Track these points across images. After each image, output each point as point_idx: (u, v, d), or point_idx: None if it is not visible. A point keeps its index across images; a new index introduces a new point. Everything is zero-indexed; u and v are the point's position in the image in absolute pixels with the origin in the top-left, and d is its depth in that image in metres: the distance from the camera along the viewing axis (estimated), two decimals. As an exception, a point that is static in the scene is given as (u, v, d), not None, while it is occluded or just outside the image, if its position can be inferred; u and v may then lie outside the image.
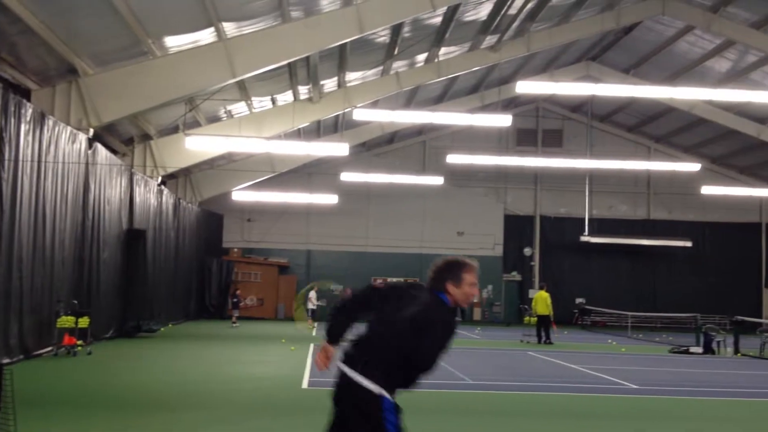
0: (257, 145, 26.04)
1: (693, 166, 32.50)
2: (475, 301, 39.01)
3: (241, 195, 34.23)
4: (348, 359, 4.24)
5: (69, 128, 17.31)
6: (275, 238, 38.06)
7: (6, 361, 13.72)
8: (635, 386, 14.37)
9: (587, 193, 37.66)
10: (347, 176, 32.44)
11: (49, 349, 16.37)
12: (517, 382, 14.65)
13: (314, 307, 29.71)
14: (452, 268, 4.40)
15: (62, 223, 17.12)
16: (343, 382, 4.22)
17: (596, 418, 10.74)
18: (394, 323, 4.25)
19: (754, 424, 10.93)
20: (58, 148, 16.66)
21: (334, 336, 4.48)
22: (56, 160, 16.49)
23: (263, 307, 36.51)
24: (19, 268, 14.71)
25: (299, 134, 31.22)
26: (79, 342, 16.81)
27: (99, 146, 19.79)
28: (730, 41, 26.20)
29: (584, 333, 32.77)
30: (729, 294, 38.38)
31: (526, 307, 30.54)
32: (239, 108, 26.58)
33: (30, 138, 15.08)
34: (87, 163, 18.63)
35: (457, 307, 4.44)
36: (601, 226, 38.51)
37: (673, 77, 30.30)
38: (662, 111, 34.94)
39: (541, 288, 26.12)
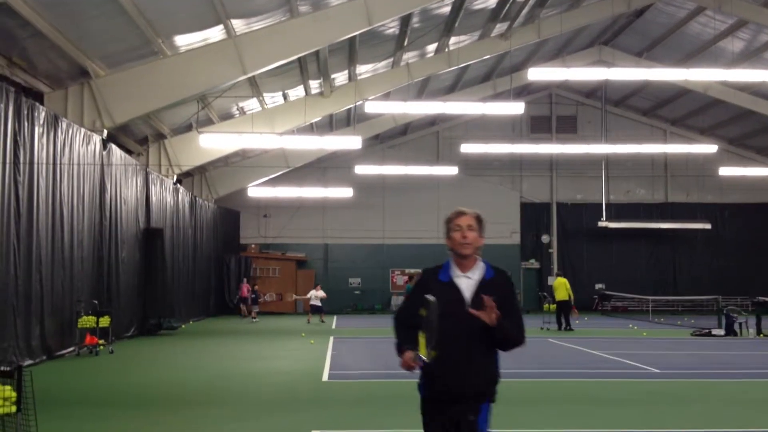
0: (270, 140, 26.09)
1: (710, 148, 32.22)
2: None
3: (257, 191, 34.33)
4: None
5: (83, 130, 17.43)
6: (292, 233, 38.17)
7: (29, 362, 13.87)
8: (657, 370, 14.30)
9: (604, 179, 37.50)
10: (361, 169, 32.42)
11: (72, 349, 16.52)
12: (539, 369, 14.61)
13: (319, 303, 29.46)
14: (445, 229, 4.42)
15: (80, 224, 17.25)
16: None
17: (619, 403, 10.70)
18: None
19: (778, 404, 10.84)
20: (73, 150, 16.77)
21: None
22: (71, 162, 16.60)
23: (282, 302, 36.64)
24: (39, 270, 14.85)
25: (312, 129, 31.25)
26: (101, 341, 16.95)
27: (113, 147, 19.91)
28: (742, 21, 25.91)
29: (605, 318, 32.62)
30: (750, 275, 38.06)
31: (546, 294, 30.43)
32: (251, 104, 26.64)
33: (44, 141, 15.20)
34: (102, 164, 18.76)
35: (444, 265, 4.35)
36: (618, 210, 38.31)
37: (686, 59, 30.02)
38: (677, 93, 34.65)
39: (557, 275, 26.00)
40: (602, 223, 36.59)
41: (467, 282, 4.24)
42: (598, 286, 38.12)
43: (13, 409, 6.47)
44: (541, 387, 12.32)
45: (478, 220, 4.38)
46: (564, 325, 24.48)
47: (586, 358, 16.55)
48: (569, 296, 24.59)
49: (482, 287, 4.19)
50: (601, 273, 38.58)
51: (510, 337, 4.21)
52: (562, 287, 24.64)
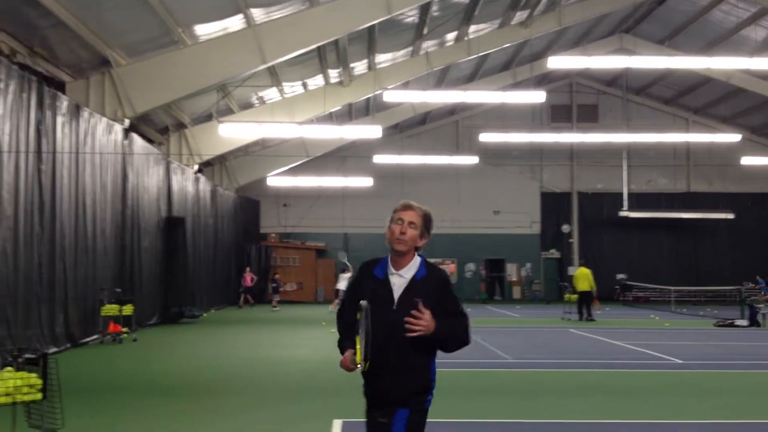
0: (290, 130, 26.13)
1: (733, 137, 31.89)
2: (514, 279, 38.83)
3: (277, 180, 34.40)
4: None
5: (105, 119, 17.53)
6: (312, 222, 38.24)
7: (53, 350, 14.00)
8: (680, 361, 14.20)
9: (625, 168, 37.20)
10: (381, 158, 32.38)
11: (95, 337, 16.67)
12: (559, 359, 14.56)
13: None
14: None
15: (102, 212, 17.37)
16: None
17: (641, 394, 10.63)
18: None
19: (802, 395, 10.73)
20: (95, 139, 16.87)
21: None
22: (93, 151, 16.70)
23: (303, 291, 36.76)
24: (62, 258, 14.98)
25: (331, 118, 31.23)
26: (124, 329, 17.07)
27: (135, 136, 20.01)
28: (765, 9, 25.56)
29: (626, 309, 32.46)
30: (773, 265, 37.72)
31: (566, 284, 30.26)
32: (271, 94, 26.66)
33: (67, 130, 15.30)
34: (124, 153, 18.86)
35: (380, 259, 4.15)
36: (640, 200, 38.02)
37: (708, 47, 29.68)
38: (699, 82, 34.28)
39: (581, 264, 25.81)
40: (623, 213, 36.34)
41: (399, 281, 4.00)
42: (619, 276, 37.88)
43: (39, 396, 6.54)
44: (561, 378, 12.27)
45: (425, 218, 4.11)
46: (585, 315, 24.36)
47: (608, 349, 16.46)
48: (591, 287, 24.40)
49: (411, 287, 3.96)
50: (622, 263, 38.33)
51: (451, 339, 3.96)
52: (584, 278, 24.45)
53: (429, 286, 3.97)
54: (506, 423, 8.58)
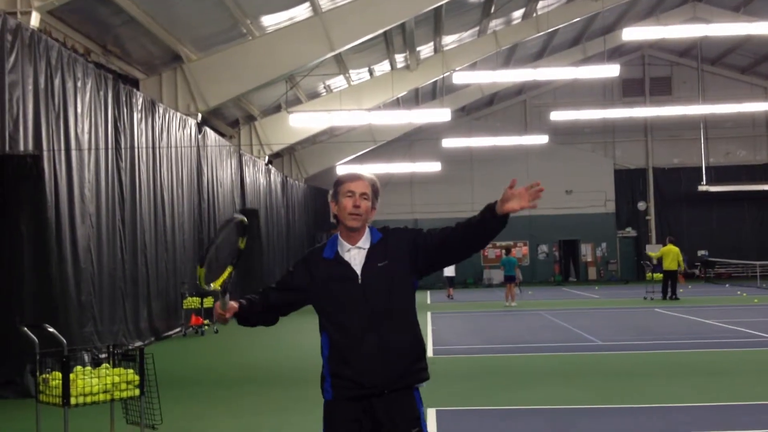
0: (358, 117, 25.96)
1: (817, 103, 30.44)
2: (589, 260, 38.01)
3: (345, 169, 34.26)
4: None
5: (178, 114, 17.64)
6: (381, 209, 36.31)
7: (138, 344, 14.15)
8: (779, 338, 13.58)
9: (702, 141, 35.94)
10: (449, 142, 31.94)
11: (178, 330, 16.86)
12: (651, 340, 14.05)
13: (453, 274, 29.59)
14: (332, 191, 3.78)
15: (180, 207, 17.52)
16: None
17: (740, 374, 10.14)
18: None
19: None
20: (170, 135, 16.99)
21: None
22: (169, 146, 16.83)
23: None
24: (144, 253, 15.14)
25: (398, 103, 30.95)
26: (206, 321, 17.23)
27: (208, 130, 20.13)
28: None
29: (710, 286, 31.43)
30: None
31: (648, 263, 29.37)
32: (338, 82, 26.53)
33: (143, 126, 15.42)
34: (198, 147, 18.98)
35: (327, 245, 3.77)
36: (719, 173, 36.68)
37: (790, 10, 28.32)
38: (778, 48, 32.82)
39: (670, 242, 24.83)
40: (702, 188, 35.13)
41: (358, 253, 3.65)
42: (700, 252, 36.71)
43: (137, 392, 6.48)
44: (659, 359, 11.81)
45: (374, 188, 3.76)
46: (670, 294, 23.58)
47: (698, 328, 15.86)
48: (679, 265, 23.58)
49: (371, 255, 3.63)
50: (702, 239, 37.11)
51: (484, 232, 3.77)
52: (672, 255, 23.52)
53: (390, 243, 3.69)
54: (609, 409, 8.23)
